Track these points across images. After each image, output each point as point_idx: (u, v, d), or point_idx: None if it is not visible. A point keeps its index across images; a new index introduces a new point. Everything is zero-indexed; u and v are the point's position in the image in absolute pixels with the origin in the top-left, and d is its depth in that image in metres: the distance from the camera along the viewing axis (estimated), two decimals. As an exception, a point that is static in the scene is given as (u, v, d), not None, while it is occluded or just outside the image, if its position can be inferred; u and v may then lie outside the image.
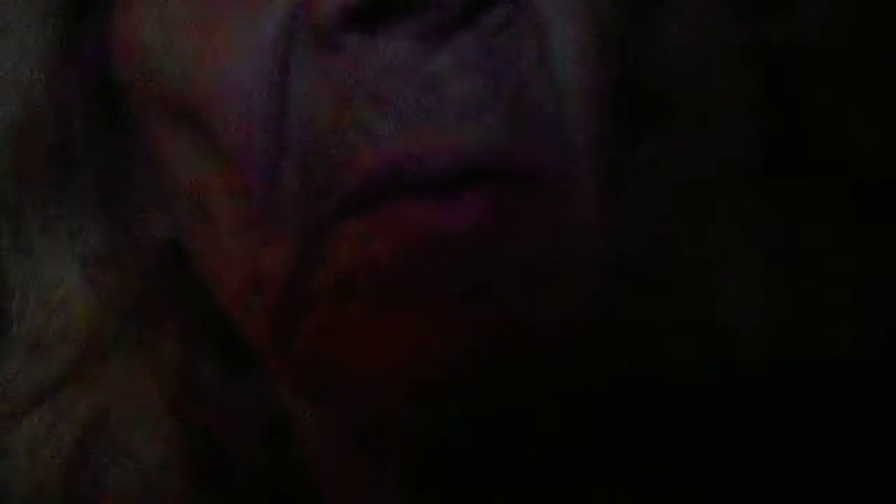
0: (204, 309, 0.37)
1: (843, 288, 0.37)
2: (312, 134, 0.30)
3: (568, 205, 0.31)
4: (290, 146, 0.30)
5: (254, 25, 0.30)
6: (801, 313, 0.37)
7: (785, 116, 0.38)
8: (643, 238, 0.36)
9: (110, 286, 0.37)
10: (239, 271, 0.32)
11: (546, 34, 0.31)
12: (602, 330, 0.33)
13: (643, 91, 0.36)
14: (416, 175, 0.29)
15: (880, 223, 0.38)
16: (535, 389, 0.32)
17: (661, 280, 0.36)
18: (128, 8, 0.33)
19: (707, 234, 0.37)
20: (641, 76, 0.36)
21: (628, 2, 0.34)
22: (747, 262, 0.37)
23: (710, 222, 0.37)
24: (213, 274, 0.34)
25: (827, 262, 0.37)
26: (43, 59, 0.34)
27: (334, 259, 0.30)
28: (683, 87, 0.37)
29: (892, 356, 0.36)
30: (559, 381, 0.33)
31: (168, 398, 0.37)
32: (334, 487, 0.36)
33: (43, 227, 0.37)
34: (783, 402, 0.36)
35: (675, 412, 0.36)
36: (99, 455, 0.37)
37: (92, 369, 0.37)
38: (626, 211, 0.36)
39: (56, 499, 0.37)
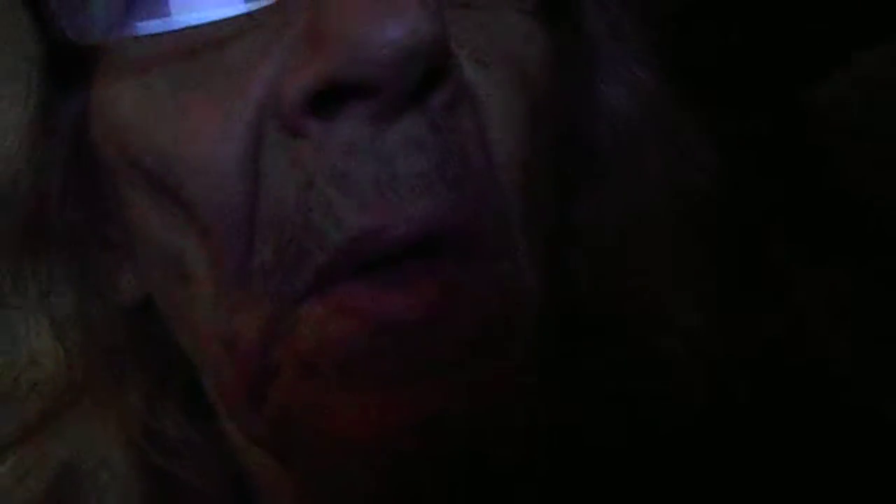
0: (170, 365, 0.38)
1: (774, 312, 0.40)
2: (282, 214, 0.31)
3: (508, 271, 0.33)
4: (262, 225, 0.32)
5: (228, 111, 0.31)
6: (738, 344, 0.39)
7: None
8: (590, 287, 0.39)
9: (79, 343, 0.38)
10: (213, 333, 0.33)
11: (483, 110, 0.33)
12: (553, 385, 0.35)
13: (581, 145, 0.39)
14: (374, 249, 0.31)
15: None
16: (489, 451, 0.34)
17: (610, 324, 0.39)
18: (107, 83, 0.34)
19: (649, 279, 0.39)
20: (577, 136, 0.39)
21: (563, 72, 0.36)
22: (687, 298, 0.39)
23: (651, 268, 0.40)
24: (188, 333, 0.35)
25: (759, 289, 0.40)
26: (24, 131, 0.35)
27: (297, 338, 0.32)
28: (616, 143, 0.39)
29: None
30: (513, 440, 0.35)
31: (134, 450, 0.38)
32: None
33: (15, 288, 0.38)
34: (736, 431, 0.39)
35: (633, 455, 0.38)
36: (67, 505, 0.38)
37: (60, 422, 0.38)
38: (571, 263, 0.38)
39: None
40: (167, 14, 0.32)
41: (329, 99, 0.30)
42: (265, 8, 0.31)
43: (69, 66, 0.34)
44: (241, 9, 0.32)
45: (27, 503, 0.38)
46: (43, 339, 0.38)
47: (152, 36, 0.32)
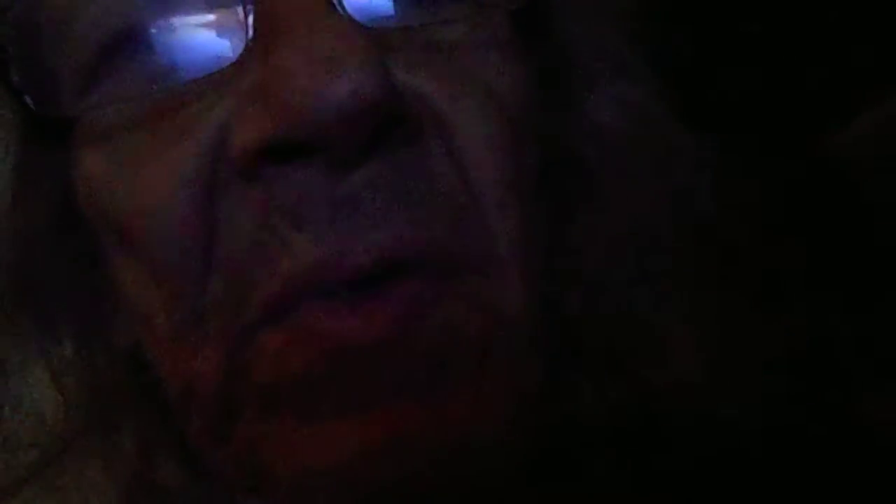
0: (162, 410, 0.38)
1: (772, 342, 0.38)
2: (236, 252, 0.32)
3: (490, 294, 0.33)
4: (216, 265, 0.32)
5: (179, 158, 0.32)
6: (737, 370, 0.38)
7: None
8: (579, 305, 0.38)
9: (76, 391, 0.38)
10: (178, 375, 0.34)
11: (453, 134, 0.33)
12: (535, 407, 0.34)
13: (571, 166, 0.39)
14: (333, 276, 0.31)
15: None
16: (465, 480, 0.33)
17: (604, 354, 0.38)
18: (83, 148, 0.35)
19: (642, 298, 0.38)
20: (565, 158, 0.38)
21: (546, 93, 0.36)
22: (678, 326, 0.38)
23: (644, 286, 0.38)
24: (161, 376, 0.36)
25: (757, 319, 0.38)
26: (7, 192, 0.36)
27: (256, 371, 0.32)
28: (605, 164, 0.39)
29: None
30: (482, 466, 0.34)
31: (125, 497, 0.39)
32: None
33: (14, 343, 0.39)
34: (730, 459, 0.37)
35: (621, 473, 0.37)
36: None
37: (55, 470, 0.39)
38: (558, 290, 0.37)
39: None
40: (132, 80, 0.33)
41: (282, 150, 0.31)
42: (223, 69, 0.32)
43: (48, 130, 0.35)
44: (201, 69, 0.32)
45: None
46: (42, 389, 0.39)
47: (117, 103, 0.33)
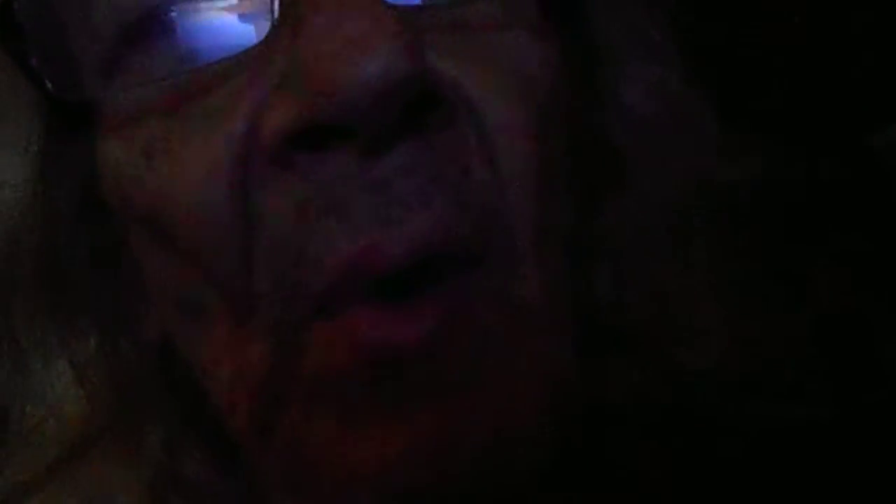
0: (191, 405, 0.38)
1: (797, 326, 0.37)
2: (277, 246, 0.31)
3: (514, 285, 0.32)
4: (259, 258, 0.32)
5: (213, 150, 0.32)
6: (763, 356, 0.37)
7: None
8: (611, 289, 0.37)
9: (99, 385, 0.38)
10: (228, 362, 0.33)
11: (483, 121, 0.32)
12: (567, 394, 0.33)
13: (601, 151, 0.38)
14: (372, 271, 0.31)
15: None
16: (506, 477, 0.33)
17: (634, 338, 0.37)
18: (107, 135, 0.34)
19: (670, 289, 0.38)
20: (596, 142, 0.38)
21: (577, 78, 0.35)
22: (711, 312, 0.38)
23: (676, 271, 0.38)
24: (205, 366, 0.35)
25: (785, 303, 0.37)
26: (31, 180, 0.36)
27: (304, 364, 0.32)
28: (637, 147, 0.38)
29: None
30: (521, 462, 0.33)
31: (151, 493, 0.38)
32: None
33: (35, 336, 0.38)
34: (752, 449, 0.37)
35: (649, 467, 0.36)
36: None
37: (79, 465, 0.38)
38: (590, 276, 0.37)
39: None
40: (155, 64, 0.33)
41: (315, 134, 0.30)
42: (248, 50, 0.32)
43: (72, 115, 0.35)
44: (227, 50, 0.32)
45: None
46: (65, 383, 0.38)
47: (140, 87, 0.33)
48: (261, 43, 0.31)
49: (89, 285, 0.38)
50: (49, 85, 0.32)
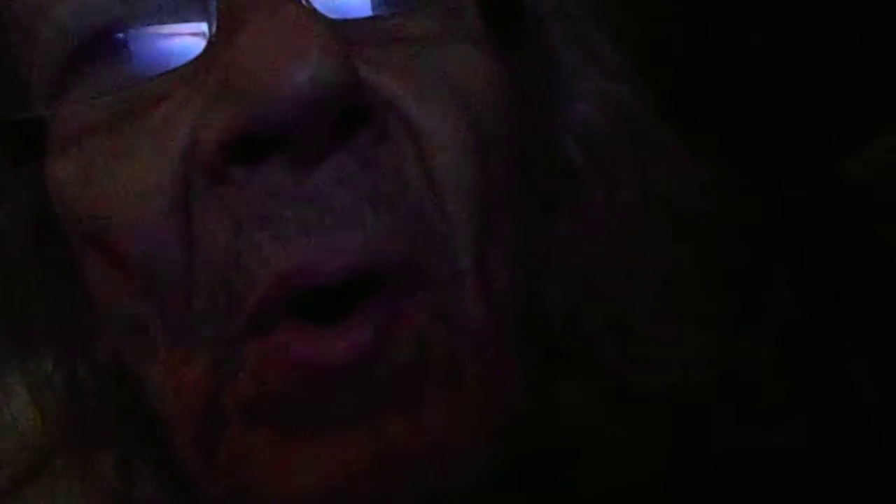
0: (144, 426, 0.38)
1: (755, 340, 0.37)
2: (215, 261, 0.31)
3: (454, 303, 0.32)
4: (197, 273, 0.32)
5: (153, 165, 0.32)
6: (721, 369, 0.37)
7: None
8: (560, 304, 0.37)
9: (54, 407, 0.38)
10: (169, 383, 0.33)
11: (420, 136, 0.32)
12: (516, 416, 0.33)
13: (550, 172, 0.38)
14: (304, 286, 0.30)
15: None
16: (442, 488, 0.32)
17: (585, 356, 0.37)
18: (54, 153, 0.35)
19: (624, 305, 0.37)
20: (548, 156, 0.38)
21: (526, 92, 0.35)
22: (668, 328, 0.37)
23: (628, 286, 0.38)
24: (151, 386, 0.35)
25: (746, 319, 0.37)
26: None
27: (240, 382, 0.32)
28: (589, 162, 0.38)
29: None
30: (463, 475, 0.33)
31: None
32: None
33: None
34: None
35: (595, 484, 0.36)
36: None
37: (33, 486, 0.38)
38: (541, 292, 0.37)
39: None
40: (100, 81, 0.33)
41: (249, 146, 0.30)
42: (187, 65, 0.32)
43: (20, 138, 0.35)
44: (167, 66, 0.32)
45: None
46: (20, 404, 0.38)
47: (85, 104, 0.33)
48: (199, 57, 0.32)
49: (45, 307, 0.38)
50: None
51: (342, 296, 0.31)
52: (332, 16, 0.31)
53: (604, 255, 0.37)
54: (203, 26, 0.32)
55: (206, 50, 0.31)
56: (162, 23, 0.32)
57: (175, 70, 0.32)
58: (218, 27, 0.31)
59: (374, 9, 0.33)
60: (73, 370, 0.38)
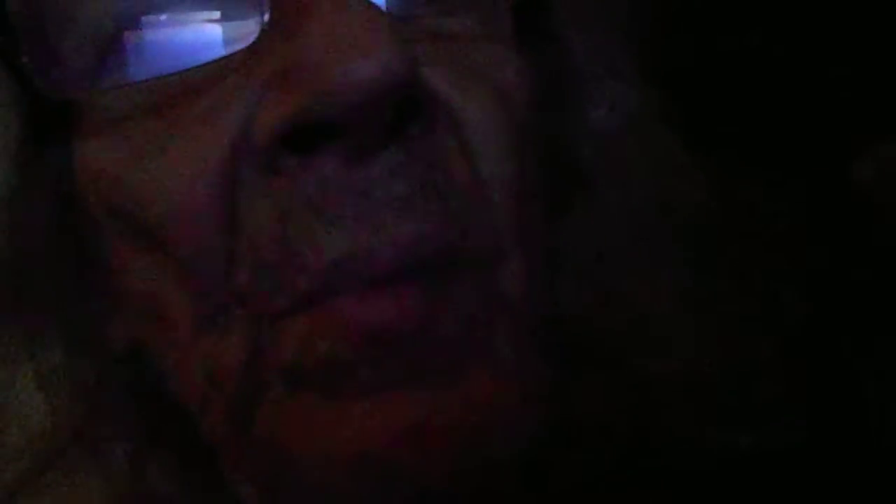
0: (157, 416, 0.38)
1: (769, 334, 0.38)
2: (260, 246, 0.32)
3: (498, 281, 0.33)
4: (240, 258, 0.32)
5: (203, 152, 0.32)
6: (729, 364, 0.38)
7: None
8: (575, 301, 0.38)
9: (64, 396, 0.37)
10: (198, 367, 0.33)
11: (463, 128, 0.33)
12: (538, 394, 0.34)
13: (566, 165, 0.39)
14: (358, 273, 0.31)
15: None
16: (481, 460, 0.33)
17: (594, 339, 0.38)
18: (88, 136, 0.34)
19: (635, 299, 0.39)
20: (563, 153, 0.39)
21: (545, 92, 0.37)
22: (677, 321, 0.39)
23: (639, 279, 0.39)
24: (173, 374, 0.35)
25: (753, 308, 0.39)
26: (5, 185, 0.35)
27: (282, 352, 0.32)
28: (600, 163, 0.40)
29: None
30: (501, 448, 0.34)
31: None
32: None
33: (2, 344, 0.37)
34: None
35: (616, 468, 0.37)
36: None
37: (42, 482, 0.37)
38: (557, 277, 0.38)
39: None
40: (143, 63, 0.33)
41: (304, 136, 0.31)
42: (238, 52, 0.32)
43: (51, 119, 0.35)
44: (215, 53, 0.33)
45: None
46: (29, 392, 0.37)
47: (129, 86, 0.33)
48: (249, 46, 0.32)
49: (58, 293, 0.37)
50: (39, 83, 0.33)
51: (392, 277, 0.31)
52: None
53: (615, 253, 0.39)
54: (250, 14, 0.32)
55: (258, 39, 0.32)
56: (210, 10, 0.33)
57: (223, 58, 0.32)
58: (273, 18, 0.32)
59: (418, 8, 0.34)
60: (83, 360, 0.38)
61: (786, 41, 0.53)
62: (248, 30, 0.32)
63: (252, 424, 0.33)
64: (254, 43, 0.32)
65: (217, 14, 0.33)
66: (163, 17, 0.33)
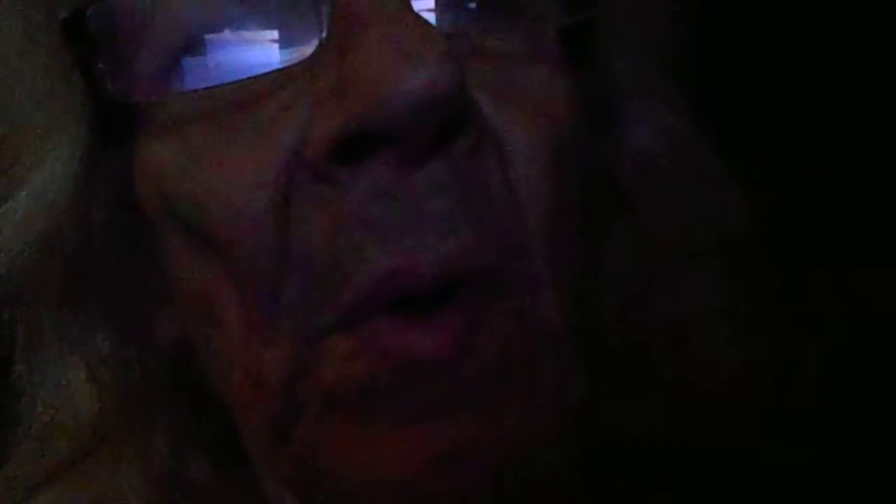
0: (201, 410, 0.39)
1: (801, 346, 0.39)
2: (311, 256, 0.33)
3: (533, 307, 0.34)
4: (291, 267, 0.33)
5: (260, 160, 0.33)
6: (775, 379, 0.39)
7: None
8: (619, 321, 0.39)
9: (113, 385, 0.39)
10: (243, 370, 0.34)
11: (506, 150, 0.34)
12: (580, 418, 0.35)
13: (608, 187, 0.40)
14: (400, 288, 0.32)
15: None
16: (518, 488, 0.33)
17: (638, 358, 0.39)
18: (150, 139, 0.36)
19: (676, 311, 0.39)
20: (605, 177, 0.40)
21: (588, 114, 0.37)
22: (716, 331, 0.39)
23: (679, 300, 0.40)
24: (219, 372, 0.36)
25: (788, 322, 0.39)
26: (69, 183, 0.37)
27: (322, 371, 0.33)
28: (643, 185, 0.40)
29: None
30: (538, 476, 0.34)
31: (158, 493, 0.39)
32: None
33: (55, 332, 0.39)
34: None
35: (658, 484, 0.38)
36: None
37: (88, 464, 0.39)
38: (596, 306, 0.39)
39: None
40: (207, 73, 0.34)
41: (356, 147, 0.32)
42: (296, 64, 0.33)
43: (115, 122, 0.36)
44: (275, 65, 0.34)
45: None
46: (79, 381, 0.39)
47: (192, 93, 0.34)
48: (308, 59, 0.33)
49: (112, 288, 0.39)
50: (110, 87, 0.34)
51: (431, 296, 0.32)
52: None
53: (657, 272, 0.39)
54: (309, 28, 0.33)
55: (316, 52, 0.33)
56: (272, 25, 0.34)
57: (282, 69, 0.33)
58: (331, 31, 0.33)
59: (459, 26, 0.35)
60: (129, 351, 0.39)
61: (834, 63, 0.53)
62: (307, 44, 0.33)
63: (289, 441, 0.34)
64: (311, 57, 0.33)
65: (277, 30, 0.34)
66: (226, 31, 0.34)
